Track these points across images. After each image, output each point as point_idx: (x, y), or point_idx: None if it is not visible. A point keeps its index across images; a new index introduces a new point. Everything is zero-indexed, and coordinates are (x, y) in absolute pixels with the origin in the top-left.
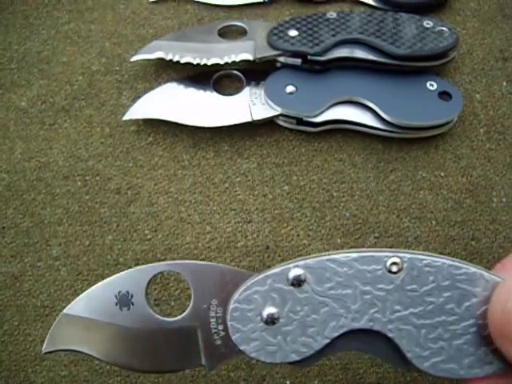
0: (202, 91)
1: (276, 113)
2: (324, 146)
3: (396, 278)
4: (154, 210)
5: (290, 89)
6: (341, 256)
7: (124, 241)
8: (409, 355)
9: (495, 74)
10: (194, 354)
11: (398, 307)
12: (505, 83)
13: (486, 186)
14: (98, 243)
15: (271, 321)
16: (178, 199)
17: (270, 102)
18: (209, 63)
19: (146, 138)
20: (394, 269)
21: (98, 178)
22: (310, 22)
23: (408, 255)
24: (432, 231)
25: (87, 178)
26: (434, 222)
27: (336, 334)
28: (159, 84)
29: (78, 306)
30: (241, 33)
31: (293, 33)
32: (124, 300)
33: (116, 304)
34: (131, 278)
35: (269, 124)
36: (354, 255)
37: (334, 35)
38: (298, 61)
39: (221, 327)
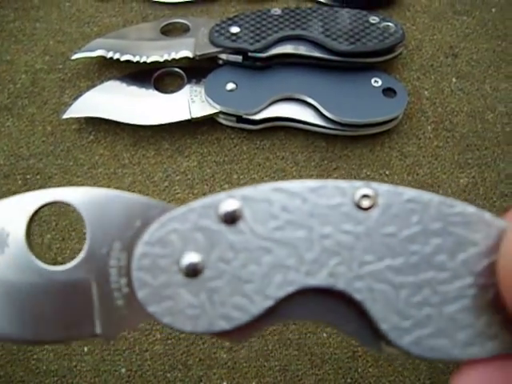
0: (143, 89)
1: (214, 110)
2: (266, 143)
3: (368, 216)
4: None
5: (230, 86)
6: (293, 185)
7: (62, 240)
8: (384, 326)
9: (444, 71)
10: (86, 318)
11: (369, 257)
12: (454, 80)
13: (432, 185)
14: (36, 242)
15: (193, 272)
16: None
17: (209, 100)
18: (148, 61)
19: (87, 137)
20: (366, 203)
21: (38, 176)
22: (253, 18)
23: (385, 186)
24: None
25: (28, 176)
26: None
27: (282, 294)
28: (101, 82)
29: None
30: (185, 30)
31: (235, 29)
32: None
33: None
34: (8, 211)
35: (210, 122)
36: (311, 184)
37: (276, 31)
38: (239, 58)
39: (124, 281)
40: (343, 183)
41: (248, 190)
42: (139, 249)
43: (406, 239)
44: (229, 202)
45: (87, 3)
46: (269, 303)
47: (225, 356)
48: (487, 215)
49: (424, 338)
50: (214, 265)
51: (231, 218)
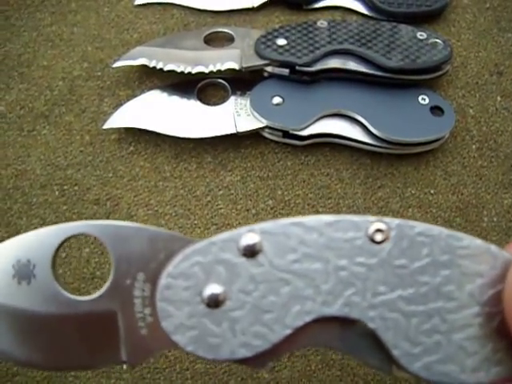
0: (185, 100)
1: (261, 125)
2: (311, 159)
3: (381, 249)
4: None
5: (276, 100)
6: (309, 219)
7: (101, 254)
8: (395, 352)
9: (489, 89)
10: (113, 346)
11: (382, 288)
12: (499, 98)
13: (476, 205)
14: (74, 255)
15: (215, 303)
16: (158, 212)
17: (256, 114)
18: (193, 71)
19: (127, 148)
20: (379, 237)
21: (76, 187)
22: (299, 30)
23: (396, 221)
24: None
25: (65, 187)
26: None
27: (300, 323)
28: (142, 91)
29: None
30: (228, 39)
31: (281, 42)
32: (24, 271)
33: (13, 276)
34: (35, 243)
35: (254, 136)
36: (327, 219)
37: (323, 45)
38: (286, 71)
39: (148, 311)
40: (357, 218)
41: (267, 225)
42: (163, 280)
43: (417, 271)
44: (249, 236)
45: (126, 9)
46: (287, 332)
47: (267, 376)
48: (493, 247)
49: (433, 363)
50: (235, 296)
51: (251, 252)
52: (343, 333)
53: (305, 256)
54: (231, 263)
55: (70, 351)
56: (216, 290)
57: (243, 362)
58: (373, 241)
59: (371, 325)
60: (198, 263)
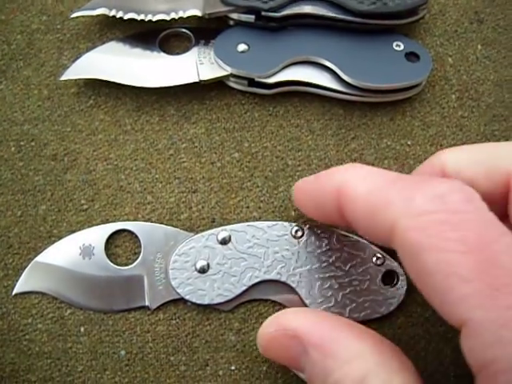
0: (147, 51)
1: (225, 72)
2: (279, 110)
3: (299, 241)
4: (91, 178)
5: (241, 47)
6: (258, 223)
7: (58, 211)
8: (307, 301)
9: (469, 37)
10: (140, 296)
11: (298, 264)
12: (479, 46)
13: None
14: (30, 213)
15: (202, 270)
16: (117, 166)
17: (219, 61)
18: (154, 19)
19: (86, 101)
20: (298, 234)
21: (33, 143)
22: None
23: (308, 226)
24: None
25: (22, 143)
26: None
27: (251, 283)
28: (103, 43)
29: (48, 255)
30: None
31: None
32: (86, 251)
33: (80, 254)
34: (94, 233)
35: (219, 86)
36: (269, 223)
37: None
38: (252, 17)
39: (163, 275)
40: (286, 223)
41: (234, 226)
42: (172, 257)
43: (320, 254)
44: (223, 232)
45: None
46: (244, 288)
47: (233, 338)
48: (363, 240)
49: (329, 305)
50: (214, 266)
51: (224, 241)
52: (278, 290)
53: (255, 244)
54: (212, 247)
55: (114, 300)
56: (203, 263)
57: (217, 305)
58: (294, 237)
59: (293, 285)
60: (193, 247)
